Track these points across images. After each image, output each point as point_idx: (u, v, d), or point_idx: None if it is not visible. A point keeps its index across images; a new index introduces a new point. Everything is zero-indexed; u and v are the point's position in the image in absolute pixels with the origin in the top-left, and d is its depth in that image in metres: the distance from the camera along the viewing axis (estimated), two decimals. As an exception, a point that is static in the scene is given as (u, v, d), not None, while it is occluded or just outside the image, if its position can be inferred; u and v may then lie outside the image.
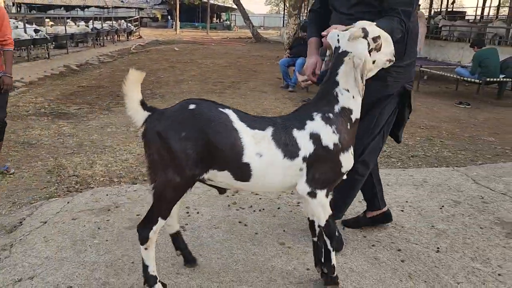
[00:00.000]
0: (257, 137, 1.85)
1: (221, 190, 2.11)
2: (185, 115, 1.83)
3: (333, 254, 2.08)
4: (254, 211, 3.02)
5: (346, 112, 1.93)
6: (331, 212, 2.00)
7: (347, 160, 1.94)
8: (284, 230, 2.74)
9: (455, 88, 9.23)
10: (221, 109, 1.86)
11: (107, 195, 3.22)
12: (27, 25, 12.49)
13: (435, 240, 2.68)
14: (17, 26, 12.00)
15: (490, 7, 22.55)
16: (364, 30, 1.87)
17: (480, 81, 7.58)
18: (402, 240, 2.67)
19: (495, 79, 7.61)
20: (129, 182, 3.63)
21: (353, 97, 1.92)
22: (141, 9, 38.19)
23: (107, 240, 2.55)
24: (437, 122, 6.38)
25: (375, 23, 1.94)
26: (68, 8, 36.11)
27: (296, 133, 1.88)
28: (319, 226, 2.08)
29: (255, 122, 1.89)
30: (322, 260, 2.16)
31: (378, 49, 1.91)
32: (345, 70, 1.90)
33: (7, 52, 3.65)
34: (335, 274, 2.11)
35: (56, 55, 13.29)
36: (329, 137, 1.89)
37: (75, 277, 2.18)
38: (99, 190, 3.32)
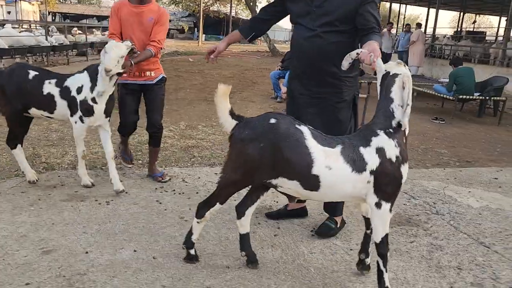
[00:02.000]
0: (327, 152, 2.13)
1: (292, 198, 2.45)
2: (265, 128, 2.14)
3: (386, 275, 2.25)
4: (175, 194, 3.55)
5: (400, 126, 2.16)
6: (388, 231, 2.21)
7: (406, 172, 2.18)
8: (190, 209, 3.26)
9: (441, 105, 9.52)
10: (297, 126, 2.17)
11: (58, 176, 3.83)
12: (56, 33, 13.60)
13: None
14: (41, 33, 13.04)
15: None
16: (402, 62, 2.28)
17: (453, 98, 7.89)
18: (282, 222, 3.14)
19: (468, 97, 7.91)
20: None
21: (404, 112, 2.15)
22: (169, 21, 39.58)
23: (41, 208, 3.13)
24: None
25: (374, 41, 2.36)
26: (100, 18, 37.84)
27: (362, 149, 2.14)
28: (374, 242, 2.26)
29: (326, 140, 2.18)
30: (368, 250, 2.50)
31: None
32: (397, 88, 2.17)
33: (146, 51, 3.51)
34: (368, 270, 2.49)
35: (76, 61, 14.25)
36: (392, 151, 2.12)
37: (3, 231, 2.76)
38: (54, 173, 3.93)
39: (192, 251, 2.50)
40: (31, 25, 20.39)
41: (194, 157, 4.73)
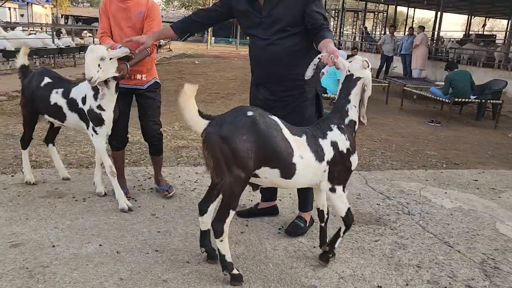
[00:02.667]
0: (297, 142, 2.30)
1: (255, 187, 2.52)
2: (245, 121, 2.20)
3: (339, 240, 2.62)
4: (151, 192, 3.64)
5: (352, 123, 2.45)
6: (349, 205, 2.51)
7: (355, 161, 2.46)
8: (163, 206, 3.34)
9: (440, 108, 9.49)
10: (270, 117, 2.29)
11: (42, 174, 3.94)
12: (65, 36, 13.85)
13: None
14: (49, 35, 13.30)
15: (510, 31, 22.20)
16: (367, 61, 2.43)
17: (449, 101, 7.88)
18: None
19: (463, 100, 7.89)
20: (73, 167, 4.33)
21: (357, 111, 2.44)
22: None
23: (18, 204, 3.24)
24: (395, 136, 6.75)
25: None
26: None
27: (321, 141, 2.36)
28: (340, 216, 2.53)
29: (294, 129, 2.34)
30: (326, 241, 2.69)
31: None
32: (356, 91, 2.42)
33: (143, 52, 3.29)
34: (331, 255, 2.64)
35: (83, 63, 14.45)
36: (344, 144, 2.39)
37: (-21, 224, 2.88)
38: (38, 171, 4.04)
39: (235, 271, 2.40)
40: (42, 27, 20.76)
41: (181, 157, 4.82)
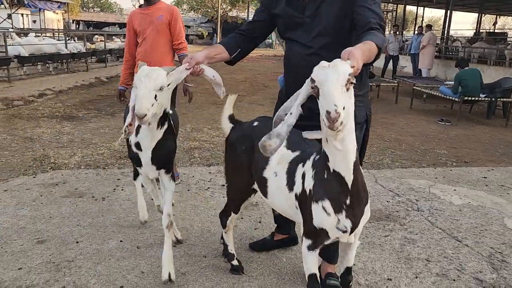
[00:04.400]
0: (283, 157, 1.92)
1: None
2: (248, 130, 2.14)
3: None
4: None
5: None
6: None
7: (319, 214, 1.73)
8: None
9: (450, 107, 9.51)
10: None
11: (62, 175, 4.09)
12: (77, 41, 14.11)
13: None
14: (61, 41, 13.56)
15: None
16: None
17: (459, 100, 7.91)
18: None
19: (474, 98, 7.91)
20: (90, 168, 4.48)
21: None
22: (188, 27, 40.30)
23: (42, 203, 3.39)
24: (405, 136, 6.81)
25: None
26: (122, 25, 38.73)
27: (299, 168, 1.85)
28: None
29: (294, 144, 1.93)
30: None
31: None
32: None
33: (183, 56, 3.52)
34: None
35: (95, 68, 14.72)
36: (308, 182, 1.77)
37: (4, 223, 3.03)
38: (59, 172, 4.20)
39: (234, 262, 2.50)
40: (54, 33, 21.11)
41: (194, 158, 4.95)
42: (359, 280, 2.52)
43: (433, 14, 54.49)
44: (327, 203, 1.69)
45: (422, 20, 24.48)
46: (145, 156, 2.38)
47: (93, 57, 15.13)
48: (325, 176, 1.67)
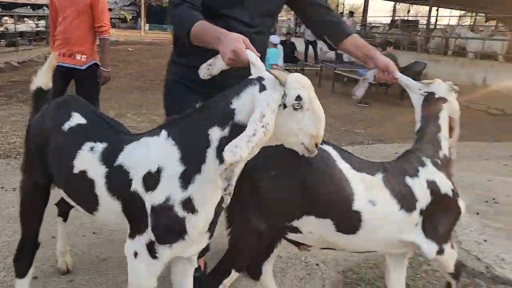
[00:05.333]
0: (367, 182, 1.63)
1: (300, 245, 1.82)
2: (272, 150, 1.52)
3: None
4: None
5: (446, 159, 1.80)
6: (456, 255, 1.88)
7: (463, 204, 1.77)
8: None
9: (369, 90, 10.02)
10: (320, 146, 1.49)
11: None
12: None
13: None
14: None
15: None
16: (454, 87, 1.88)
17: (375, 82, 8.35)
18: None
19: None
20: (0, 157, 4.18)
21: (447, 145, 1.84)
22: (110, 10, 38.46)
23: None
24: (327, 117, 6.84)
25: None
26: (34, 6, 36.03)
27: (409, 180, 1.68)
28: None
29: (362, 163, 1.70)
30: None
31: None
32: (444, 115, 1.83)
33: (103, 40, 3.38)
34: None
35: (5, 52, 13.61)
36: (445, 184, 1.71)
37: None
38: None
39: None
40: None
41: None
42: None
43: (354, 2, 56.78)
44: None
45: (343, 7, 25.41)
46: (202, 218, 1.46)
47: (1, 40, 13.98)
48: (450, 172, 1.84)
